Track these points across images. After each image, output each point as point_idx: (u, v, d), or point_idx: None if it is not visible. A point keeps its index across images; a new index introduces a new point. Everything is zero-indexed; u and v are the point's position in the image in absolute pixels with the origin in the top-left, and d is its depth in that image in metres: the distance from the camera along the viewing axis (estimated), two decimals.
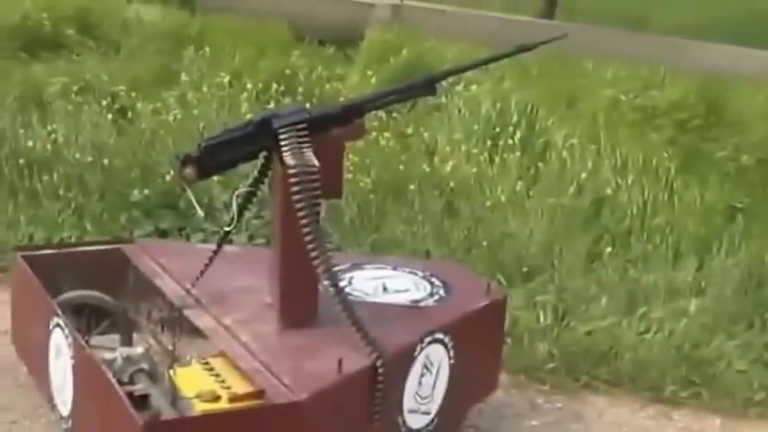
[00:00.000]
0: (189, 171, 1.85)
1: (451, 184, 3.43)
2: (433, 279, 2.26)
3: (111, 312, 2.22)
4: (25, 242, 2.91)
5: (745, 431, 2.46)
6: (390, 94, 2.08)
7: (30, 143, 3.38)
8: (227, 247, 2.13)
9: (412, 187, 3.35)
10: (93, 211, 3.13)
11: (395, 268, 2.32)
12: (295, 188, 1.81)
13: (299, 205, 1.81)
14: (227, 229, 2.05)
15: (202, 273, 2.07)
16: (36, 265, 2.14)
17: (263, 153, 1.94)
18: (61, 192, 3.18)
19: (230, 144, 1.89)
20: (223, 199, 3.12)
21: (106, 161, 3.32)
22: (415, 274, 2.28)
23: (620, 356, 2.61)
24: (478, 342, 2.16)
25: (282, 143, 1.85)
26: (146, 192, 3.17)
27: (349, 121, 1.95)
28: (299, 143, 1.85)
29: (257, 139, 1.90)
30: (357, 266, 2.28)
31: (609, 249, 3.14)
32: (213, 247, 2.13)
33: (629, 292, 2.89)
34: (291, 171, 1.81)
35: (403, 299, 2.14)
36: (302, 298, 1.94)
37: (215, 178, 3.03)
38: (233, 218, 2.01)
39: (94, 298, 2.18)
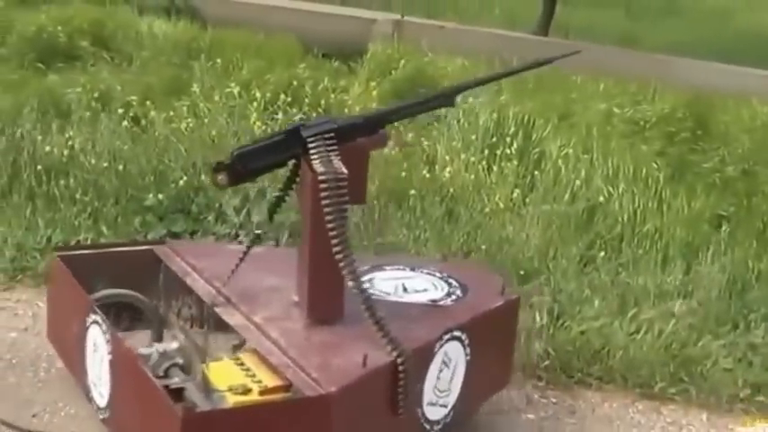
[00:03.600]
0: (221, 178, 1.92)
1: (451, 190, 3.51)
2: (450, 280, 2.32)
3: (143, 310, 2.28)
4: (43, 244, 2.97)
5: (730, 426, 2.54)
6: (412, 106, 2.16)
7: (47, 149, 3.45)
8: (254, 248, 2.19)
9: (413, 193, 3.43)
10: (109, 214, 3.19)
11: (413, 269, 2.38)
12: (324, 194, 1.87)
13: (327, 210, 1.87)
14: (257, 231, 2.15)
15: (233, 272, 2.12)
16: (72, 265, 2.20)
17: (292, 161, 2.00)
18: (78, 196, 3.24)
19: (261, 152, 1.95)
20: (233, 203, 3.22)
21: (121, 167, 3.38)
22: (433, 274, 2.35)
23: (612, 355, 2.69)
24: (492, 339, 2.23)
25: (312, 151, 1.91)
26: (159, 196, 3.23)
27: (373, 131, 2.03)
28: (328, 152, 1.91)
29: (287, 147, 1.96)
30: (377, 267, 2.34)
31: (601, 254, 3.22)
32: (241, 247, 2.19)
33: (621, 295, 2.97)
34: (321, 178, 1.87)
35: (422, 298, 2.20)
36: (329, 297, 2.00)
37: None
38: (265, 221, 2.12)
39: (128, 296, 2.24)
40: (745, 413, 2.61)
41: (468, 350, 2.11)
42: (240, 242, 2.24)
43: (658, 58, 6.17)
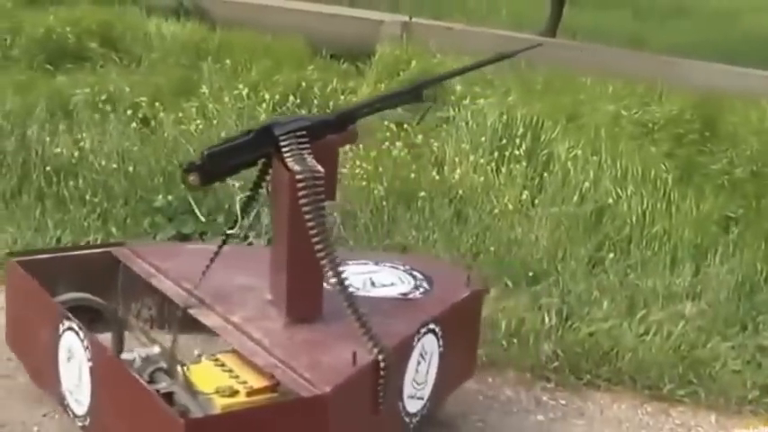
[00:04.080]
0: (193, 178, 1.90)
1: (460, 192, 3.51)
2: (414, 272, 2.32)
3: (102, 313, 2.23)
4: (53, 246, 2.97)
5: (738, 428, 2.55)
6: (381, 100, 2.18)
7: (57, 150, 3.47)
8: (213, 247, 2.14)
9: (422, 195, 3.43)
10: (118, 215, 3.21)
11: (376, 263, 2.35)
12: (302, 193, 1.86)
13: (305, 209, 1.85)
14: (228, 231, 2.13)
15: (204, 273, 2.06)
16: (30, 270, 2.15)
17: (263, 159, 1.97)
18: (87, 197, 3.26)
19: (232, 151, 1.92)
20: (242, 205, 3.23)
21: (130, 168, 3.40)
22: (397, 268, 2.34)
23: (621, 356, 2.70)
24: (461, 331, 2.24)
25: (285, 150, 1.89)
26: (168, 197, 3.25)
27: (343, 128, 2.02)
28: (301, 150, 1.89)
29: (259, 146, 1.93)
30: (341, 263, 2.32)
31: (610, 255, 3.23)
32: (201, 246, 2.17)
33: (630, 296, 2.98)
34: (298, 177, 1.86)
35: (392, 292, 2.19)
36: (309, 295, 1.99)
37: (236, 184, 3.17)
38: (235, 220, 2.11)
39: (86, 300, 2.20)
40: (754, 415, 2.62)
41: (441, 342, 2.11)
42: (222, 242, 2.13)
43: (665, 59, 6.19)
